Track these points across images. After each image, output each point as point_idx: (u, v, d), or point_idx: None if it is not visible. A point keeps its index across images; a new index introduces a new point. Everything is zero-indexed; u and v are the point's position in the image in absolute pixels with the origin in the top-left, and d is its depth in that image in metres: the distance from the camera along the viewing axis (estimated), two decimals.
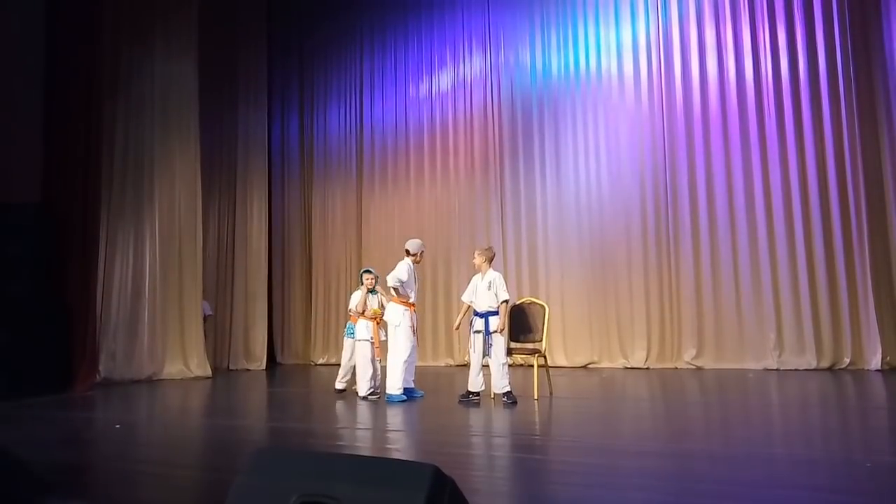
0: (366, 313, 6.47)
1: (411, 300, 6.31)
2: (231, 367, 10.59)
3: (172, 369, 8.69)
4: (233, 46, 11.04)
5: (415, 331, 6.29)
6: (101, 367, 7.86)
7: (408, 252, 6.42)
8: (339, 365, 7.05)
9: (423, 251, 6.52)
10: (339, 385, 6.76)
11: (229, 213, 11.01)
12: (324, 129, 11.78)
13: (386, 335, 6.44)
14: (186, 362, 8.90)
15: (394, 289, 6.24)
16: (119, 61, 8.42)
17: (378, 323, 6.51)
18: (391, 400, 6.03)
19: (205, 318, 10.42)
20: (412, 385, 6.33)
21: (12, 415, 5.67)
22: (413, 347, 6.24)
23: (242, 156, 11.07)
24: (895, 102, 7.92)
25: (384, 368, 6.39)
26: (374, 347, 6.37)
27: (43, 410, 6.01)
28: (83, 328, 7.32)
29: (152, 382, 8.30)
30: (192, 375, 8.83)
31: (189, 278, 9.12)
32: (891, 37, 7.98)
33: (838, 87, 8.14)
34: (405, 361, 6.13)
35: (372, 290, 6.61)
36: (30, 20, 7.34)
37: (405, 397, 6.09)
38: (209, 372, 9.10)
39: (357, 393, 6.37)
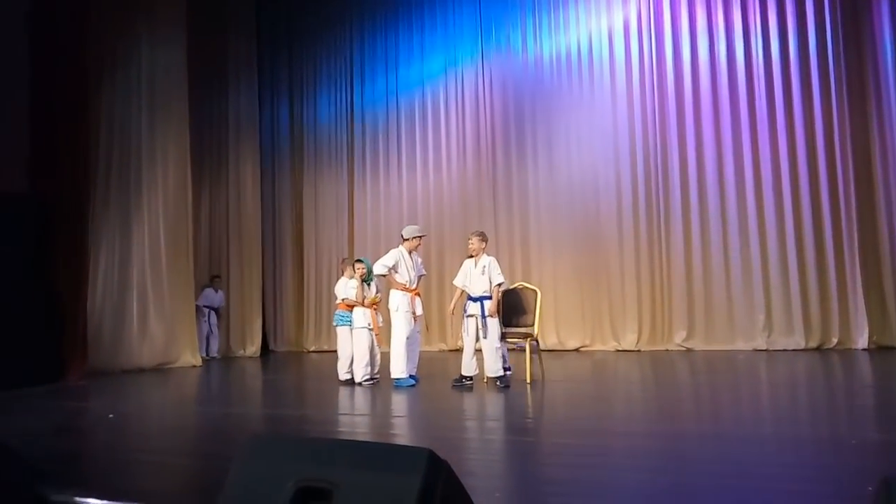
0: (364, 302, 6.42)
1: (410, 286, 6.29)
2: (225, 355, 10.58)
3: (165, 358, 8.67)
4: (222, 32, 10.89)
5: (416, 317, 6.27)
6: (92, 357, 7.83)
7: (402, 238, 6.42)
8: (332, 352, 7.02)
9: (418, 236, 6.44)
10: (346, 376, 6.47)
11: (221, 200, 10.93)
12: (314, 116, 11.67)
13: (382, 321, 6.48)
14: (179, 351, 8.87)
15: (383, 276, 6.26)
16: (105, 48, 8.29)
17: (376, 310, 6.50)
18: (400, 385, 6.00)
19: (218, 310, 10.40)
20: (413, 372, 6.28)
21: (5, 405, 5.66)
22: (413, 331, 6.20)
23: (233, 143, 10.97)
24: (884, 85, 7.98)
25: (385, 355, 6.40)
26: (375, 334, 6.38)
27: (35, 400, 6.01)
28: (74, 317, 7.29)
29: (144, 371, 8.28)
30: (185, 364, 8.81)
31: (180, 266, 9.06)
32: (881, 19, 8.00)
33: (828, 69, 8.18)
34: (404, 345, 6.09)
35: (367, 280, 6.48)
36: (14, 8, 7.21)
37: (413, 381, 6.10)
38: (200, 360, 9.10)
39: (353, 379, 6.38)
